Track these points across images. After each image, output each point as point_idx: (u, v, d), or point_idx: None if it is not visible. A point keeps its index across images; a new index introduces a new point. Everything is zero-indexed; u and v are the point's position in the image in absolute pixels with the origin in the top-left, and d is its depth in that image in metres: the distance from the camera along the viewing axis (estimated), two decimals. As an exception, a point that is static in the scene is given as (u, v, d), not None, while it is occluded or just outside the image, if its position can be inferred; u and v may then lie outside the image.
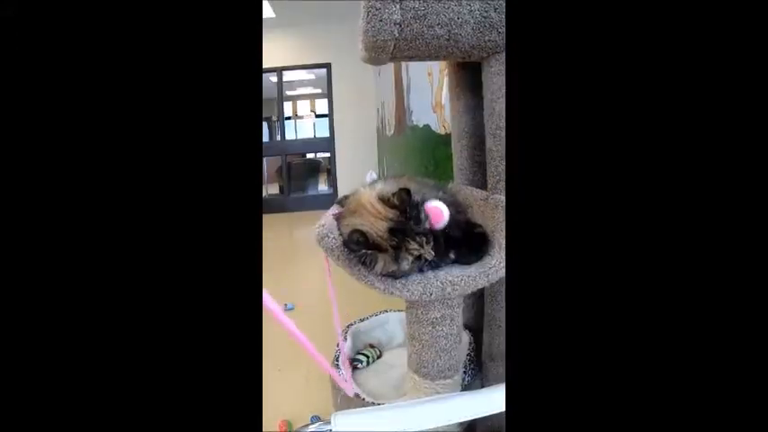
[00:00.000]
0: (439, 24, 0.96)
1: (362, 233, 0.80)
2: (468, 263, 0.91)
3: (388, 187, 0.87)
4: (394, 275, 0.85)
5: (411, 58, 1.09)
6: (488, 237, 0.94)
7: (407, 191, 0.82)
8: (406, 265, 0.83)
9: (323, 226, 0.86)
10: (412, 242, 0.82)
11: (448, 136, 2.56)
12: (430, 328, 0.95)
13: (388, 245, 0.82)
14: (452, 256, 0.91)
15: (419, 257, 0.83)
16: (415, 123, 3.49)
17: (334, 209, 1.00)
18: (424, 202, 0.84)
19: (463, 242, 0.92)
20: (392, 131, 4.78)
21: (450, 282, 0.86)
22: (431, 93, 2.89)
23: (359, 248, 0.81)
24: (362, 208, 0.85)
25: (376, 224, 0.82)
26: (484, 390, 0.99)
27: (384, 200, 0.84)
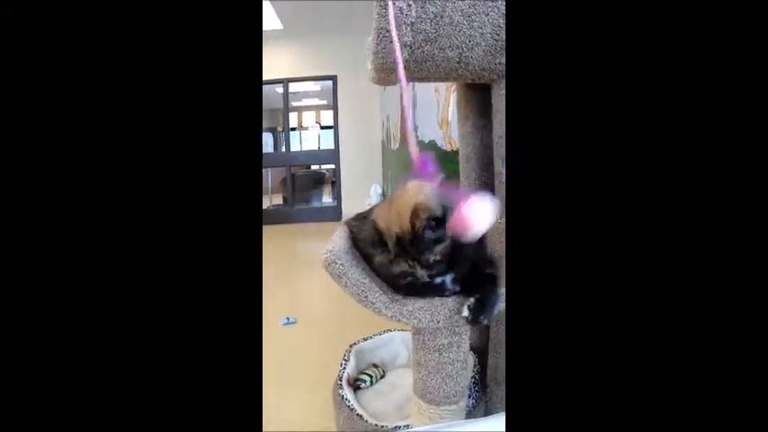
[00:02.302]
0: (450, 47, 0.95)
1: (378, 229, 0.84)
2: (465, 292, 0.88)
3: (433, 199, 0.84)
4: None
5: (421, 80, 1.08)
6: (495, 279, 0.89)
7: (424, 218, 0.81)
8: (397, 269, 0.85)
9: (330, 252, 0.85)
10: (407, 259, 0.83)
11: (454, 153, 2.56)
12: (436, 355, 0.93)
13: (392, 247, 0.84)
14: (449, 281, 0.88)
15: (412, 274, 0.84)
16: (420, 139, 3.49)
17: (343, 230, 0.99)
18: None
19: (469, 274, 0.89)
20: (397, 145, 4.78)
21: (457, 309, 0.85)
22: (437, 108, 2.88)
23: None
24: (400, 204, 0.85)
25: (393, 226, 0.84)
26: (492, 417, 0.97)
27: (414, 211, 0.83)
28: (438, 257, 0.82)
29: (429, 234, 0.80)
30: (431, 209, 0.81)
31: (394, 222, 0.84)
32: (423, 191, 0.85)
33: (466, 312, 0.84)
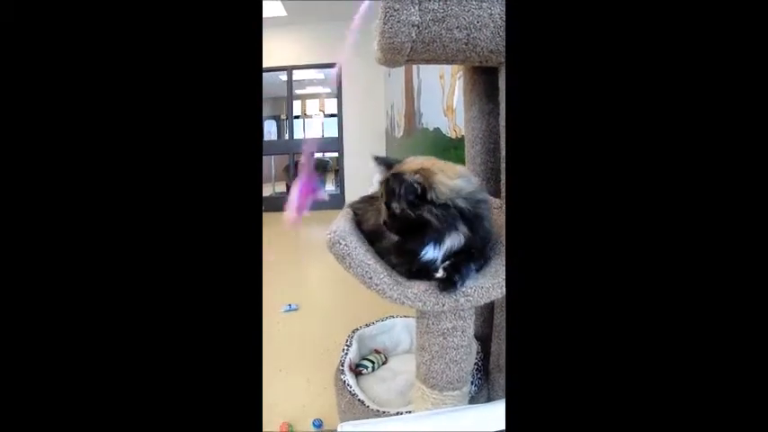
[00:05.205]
0: (458, 27, 0.93)
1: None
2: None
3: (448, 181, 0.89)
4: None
5: (428, 61, 1.07)
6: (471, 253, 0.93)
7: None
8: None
9: (334, 232, 0.84)
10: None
11: (458, 140, 2.54)
12: (440, 339, 0.93)
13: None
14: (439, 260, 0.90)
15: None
16: (425, 126, 3.47)
17: (347, 212, 0.98)
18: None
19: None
20: (401, 133, 4.76)
21: (463, 292, 0.84)
22: (442, 96, 2.86)
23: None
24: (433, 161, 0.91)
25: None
26: (494, 403, 0.97)
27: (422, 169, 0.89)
28: (397, 211, 0.87)
29: (408, 188, 0.84)
30: (431, 180, 0.85)
31: (411, 165, 0.90)
32: (460, 172, 0.90)
33: (441, 273, 0.86)
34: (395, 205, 0.86)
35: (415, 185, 0.84)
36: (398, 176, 0.86)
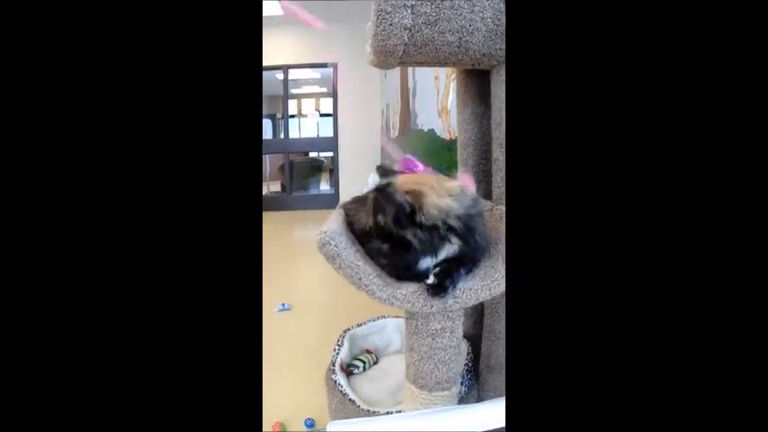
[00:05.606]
0: (450, 31, 0.94)
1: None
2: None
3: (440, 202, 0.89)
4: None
5: (420, 64, 1.08)
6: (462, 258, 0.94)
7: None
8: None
9: (324, 233, 0.84)
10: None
11: (453, 141, 2.55)
12: (429, 340, 0.93)
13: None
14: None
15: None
16: (419, 127, 3.48)
17: (338, 213, 0.99)
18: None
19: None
20: (396, 134, 4.77)
21: (452, 294, 0.85)
22: (437, 97, 2.87)
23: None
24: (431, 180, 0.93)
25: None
26: (484, 404, 0.97)
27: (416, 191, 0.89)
28: (381, 224, 0.87)
29: (398, 209, 0.85)
30: (421, 201, 0.85)
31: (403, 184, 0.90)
32: (452, 190, 0.91)
33: (432, 279, 0.87)
34: (380, 218, 0.87)
35: (405, 206, 0.84)
36: (387, 195, 0.86)
